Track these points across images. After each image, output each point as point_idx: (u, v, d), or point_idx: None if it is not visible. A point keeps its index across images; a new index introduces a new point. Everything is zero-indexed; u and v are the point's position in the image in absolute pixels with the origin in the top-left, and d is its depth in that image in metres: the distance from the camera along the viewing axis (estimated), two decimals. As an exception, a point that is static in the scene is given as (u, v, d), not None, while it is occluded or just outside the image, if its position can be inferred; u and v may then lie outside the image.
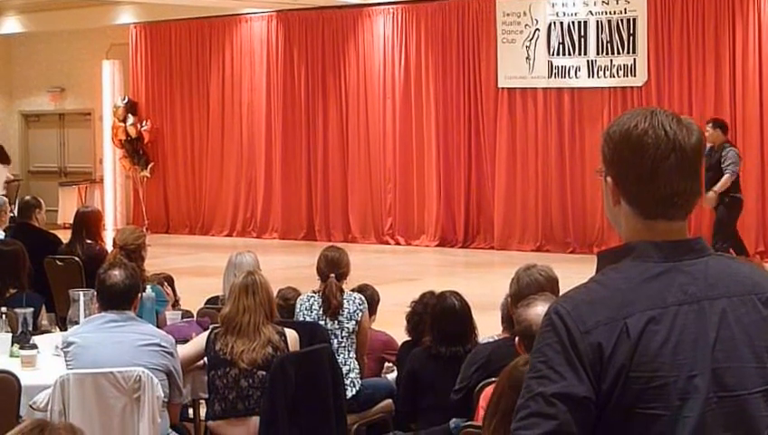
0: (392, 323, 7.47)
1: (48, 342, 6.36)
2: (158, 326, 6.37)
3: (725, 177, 12.93)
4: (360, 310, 6.88)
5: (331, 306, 6.80)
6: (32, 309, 6.73)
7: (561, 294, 2.53)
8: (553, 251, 16.61)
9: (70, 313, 6.53)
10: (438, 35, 17.82)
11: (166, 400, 5.54)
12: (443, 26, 17.79)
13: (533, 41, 16.90)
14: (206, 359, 6.01)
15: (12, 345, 6.18)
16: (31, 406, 5.36)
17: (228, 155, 20.11)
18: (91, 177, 22.54)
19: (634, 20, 16.06)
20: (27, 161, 23.83)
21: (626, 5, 16.10)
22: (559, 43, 16.69)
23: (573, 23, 16.55)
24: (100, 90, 21.70)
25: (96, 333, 5.55)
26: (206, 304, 7.65)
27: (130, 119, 20.80)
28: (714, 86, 15.64)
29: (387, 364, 7.32)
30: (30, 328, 6.50)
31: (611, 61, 16.29)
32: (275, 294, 6.45)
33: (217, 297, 7.53)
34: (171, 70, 20.77)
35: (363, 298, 6.98)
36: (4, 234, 9.69)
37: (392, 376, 7.06)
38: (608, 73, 16.35)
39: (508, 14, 17.12)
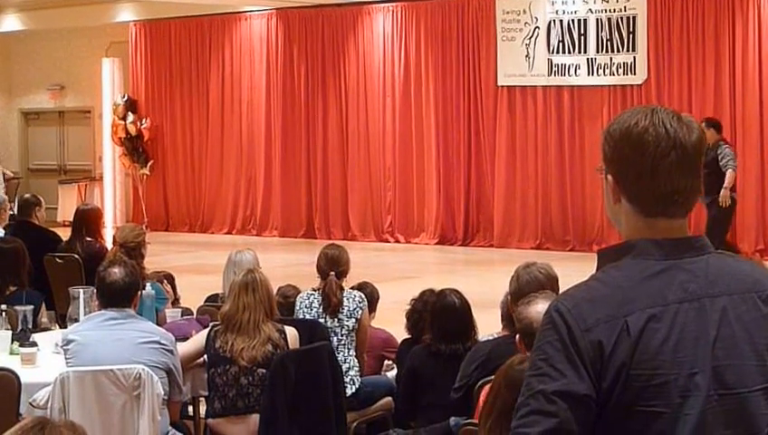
0: (392, 321, 7.48)
1: (48, 339, 6.35)
2: (157, 324, 6.37)
3: (729, 172, 12.96)
4: (360, 308, 6.88)
5: (331, 304, 6.81)
6: (32, 307, 6.73)
7: (561, 292, 2.53)
8: (553, 249, 16.62)
9: (70, 310, 6.53)
10: (438, 33, 17.82)
11: (166, 397, 5.54)
12: (443, 24, 17.79)
13: (533, 39, 16.90)
14: (205, 356, 6.01)
15: (12, 343, 6.18)
16: (31, 404, 5.36)
17: (228, 153, 20.11)
18: (90, 174, 22.54)
19: (634, 18, 16.06)
20: (27, 159, 23.83)
21: (626, 3, 16.09)
22: (558, 41, 16.68)
23: (573, 21, 16.55)
24: (100, 87, 21.70)
25: (96, 331, 5.55)
26: (205, 301, 7.64)
27: (130, 116, 20.80)
28: (713, 84, 15.64)
29: (386, 362, 7.32)
30: (30, 326, 6.51)
31: (611, 59, 16.29)
32: (275, 291, 6.45)
33: (217, 295, 7.53)
34: (171, 68, 20.77)
35: (363, 296, 6.98)
36: (3, 231, 9.69)
37: (392, 374, 7.07)
38: (607, 71, 16.35)
39: (508, 12, 17.12)
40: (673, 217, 2.26)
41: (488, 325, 6.28)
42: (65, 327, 6.38)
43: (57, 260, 9.16)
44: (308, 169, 19.21)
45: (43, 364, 5.91)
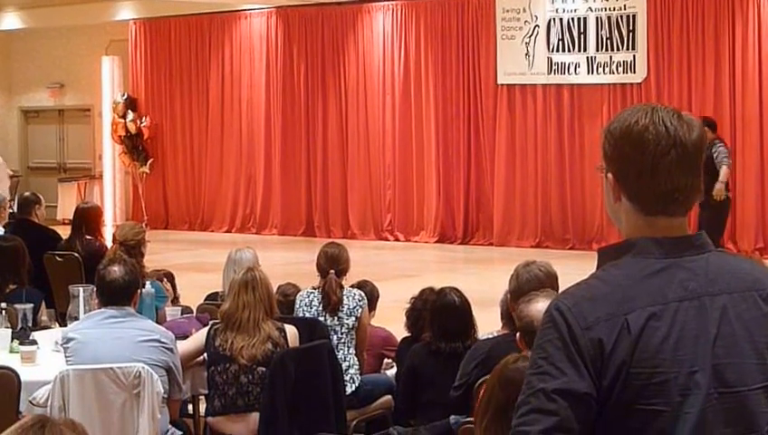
0: (392, 320, 7.48)
1: (48, 337, 6.35)
2: (157, 322, 6.37)
3: (724, 168, 12.95)
4: (360, 306, 6.88)
5: (331, 302, 6.81)
6: (31, 305, 6.73)
7: (561, 290, 2.53)
8: (553, 247, 16.62)
9: (69, 308, 6.53)
10: (438, 32, 17.82)
11: (165, 396, 5.54)
12: (442, 23, 17.79)
13: (533, 37, 16.90)
14: (205, 355, 6.01)
15: (12, 341, 6.18)
16: (30, 402, 5.35)
17: (228, 151, 20.11)
18: (90, 173, 22.54)
19: (633, 16, 16.06)
20: (27, 157, 23.83)
21: (625, 2, 16.09)
22: (558, 40, 16.68)
23: (573, 19, 16.55)
24: (100, 86, 21.70)
25: (96, 329, 5.55)
26: (205, 300, 7.65)
27: (130, 115, 20.80)
28: (713, 83, 15.64)
29: (386, 360, 7.32)
30: (30, 324, 6.51)
31: (611, 57, 16.29)
32: (275, 290, 6.45)
33: (217, 293, 7.53)
34: (171, 66, 20.76)
35: (363, 294, 6.98)
36: (3, 230, 9.68)
37: (391, 372, 7.07)
38: (607, 70, 16.35)
39: (508, 11, 17.12)
40: (673, 216, 2.26)
41: (488, 324, 6.28)
42: (65, 325, 6.38)
43: (57, 258, 9.16)
44: (308, 167, 19.22)
45: (43, 363, 5.91)
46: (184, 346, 6.00)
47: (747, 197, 15.29)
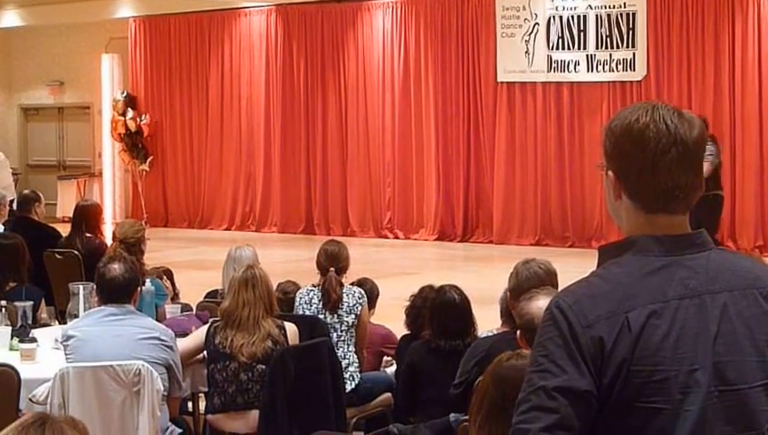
0: (391, 317, 7.47)
1: (48, 335, 6.36)
2: (157, 320, 6.37)
3: (706, 165, 12.92)
4: (360, 304, 6.88)
5: (331, 300, 6.81)
6: (31, 302, 6.73)
7: (560, 288, 2.53)
8: (552, 245, 16.63)
9: (69, 306, 6.53)
10: (438, 29, 17.82)
11: (165, 393, 5.54)
12: (442, 20, 17.78)
13: (533, 35, 16.89)
14: (205, 352, 6.01)
15: (11, 339, 6.18)
16: (30, 399, 5.35)
17: (227, 149, 20.11)
18: (90, 170, 22.53)
19: (633, 14, 16.05)
20: (26, 155, 23.82)
21: (625, 0, 16.09)
22: (558, 38, 16.68)
23: (573, 17, 16.55)
24: (100, 83, 21.69)
25: (96, 327, 5.55)
26: (205, 297, 7.65)
27: (129, 112, 20.80)
28: (713, 81, 15.64)
29: (386, 358, 7.32)
30: (29, 321, 6.51)
31: (611, 55, 16.28)
32: (275, 287, 6.45)
33: (217, 291, 7.53)
34: (170, 64, 20.76)
35: (363, 292, 6.98)
36: (3, 227, 9.68)
37: (391, 370, 7.07)
38: (607, 68, 16.34)
39: (507, 9, 17.11)
40: (674, 214, 2.26)
41: (487, 321, 6.28)
42: (65, 323, 6.38)
43: (57, 256, 9.16)
44: (307, 164, 19.21)
45: (43, 360, 5.91)
46: (184, 344, 6.01)
47: (747, 194, 15.29)
